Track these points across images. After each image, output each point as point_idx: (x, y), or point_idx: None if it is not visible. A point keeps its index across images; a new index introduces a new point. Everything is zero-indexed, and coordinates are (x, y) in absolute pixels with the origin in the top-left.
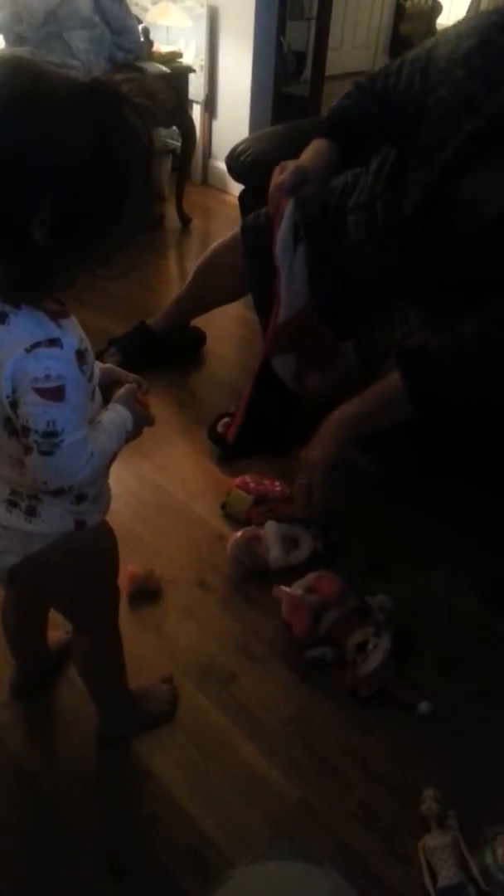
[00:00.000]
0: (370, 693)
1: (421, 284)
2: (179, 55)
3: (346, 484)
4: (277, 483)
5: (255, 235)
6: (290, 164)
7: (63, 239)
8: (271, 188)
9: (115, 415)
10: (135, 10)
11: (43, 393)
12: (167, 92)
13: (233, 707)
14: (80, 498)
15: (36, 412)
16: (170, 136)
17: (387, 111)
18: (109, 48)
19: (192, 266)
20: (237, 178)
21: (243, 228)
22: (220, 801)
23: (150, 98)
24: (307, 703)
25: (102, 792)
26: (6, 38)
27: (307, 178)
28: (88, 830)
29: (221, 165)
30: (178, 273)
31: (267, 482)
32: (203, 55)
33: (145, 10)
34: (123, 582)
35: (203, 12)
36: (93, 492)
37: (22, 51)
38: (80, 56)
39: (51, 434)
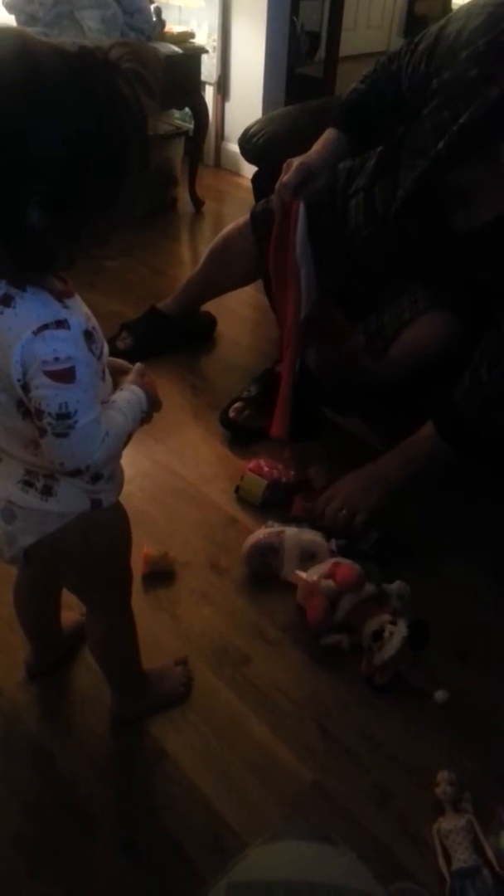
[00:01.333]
0: (386, 681)
1: (424, 270)
2: (192, 35)
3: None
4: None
5: (265, 222)
6: (295, 162)
7: (60, 219)
8: (277, 186)
9: (130, 394)
10: None
11: (53, 375)
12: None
13: (247, 689)
14: (95, 477)
15: (48, 395)
16: (182, 119)
17: (399, 93)
18: (121, 28)
19: (204, 249)
20: (250, 160)
21: (252, 215)
22: (234, 783)
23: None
24: (321, 686)
25: (118, 772)
26: (18, 19)
27: (312, 174)
28: (104, 811)
29: (234, 148)
30: (190, 257)
31: (281, 466)
32: (216, 35)
33: None
34: (137, 563)
35: None
36: (108, 471)
37: (35, 31)
38: (91, 36)
39: (64, 416)
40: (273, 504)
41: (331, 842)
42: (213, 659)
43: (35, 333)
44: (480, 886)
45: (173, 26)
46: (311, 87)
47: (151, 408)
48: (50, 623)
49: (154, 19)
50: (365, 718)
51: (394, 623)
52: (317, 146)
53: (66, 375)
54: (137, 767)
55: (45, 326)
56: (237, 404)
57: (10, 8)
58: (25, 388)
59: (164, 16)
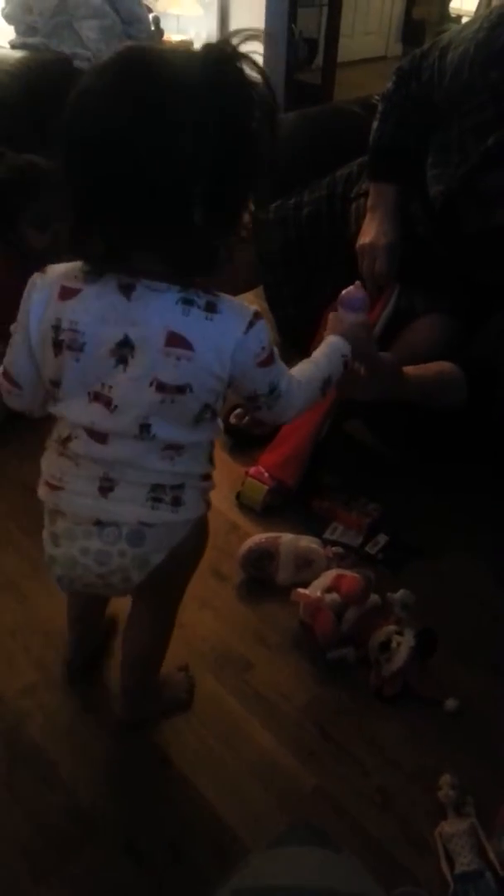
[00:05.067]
0: (395, 693)
1: (425, 271)
2: (190, 44)
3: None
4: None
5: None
6: (379, 245)
7: (216, 215)
8: (369, 273)
9: (326, 346)
10: None
11: (263, 363)
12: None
13: (249, 695)
14: (206, 476)
15: (261, 380)
16: None
17: (426, 111)
18: (120, 38)
19: None
20: None
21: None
22: (236, 788)
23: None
24: (323, 691)
25: (121, 779)
26: (17, 29)
27: (396, 251)
28: (107, 817)
29: None
30: None
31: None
32: None
33: None
34: None
35: (214, 0)
36: (212, 470)
37: (34, 41)
38: (90, 46)
39: (273, 390)
40: (274, 509)
41: (333, 847)
42: (215, 664)
43: (245, 333)
44: (483, 890)
45: (171, 35)
46: (310, 94)
47: (359, 347)
48: (99, 619)
49: (152, 28)
50: (367, 722)
51: (400, 633)
52: (380, 215)
53: (270, 359)
54: (140, 773)
55: (251, 324)
56: (238, 410)
57: (10, 19)
58: (230, 384)
59: (162, 25)
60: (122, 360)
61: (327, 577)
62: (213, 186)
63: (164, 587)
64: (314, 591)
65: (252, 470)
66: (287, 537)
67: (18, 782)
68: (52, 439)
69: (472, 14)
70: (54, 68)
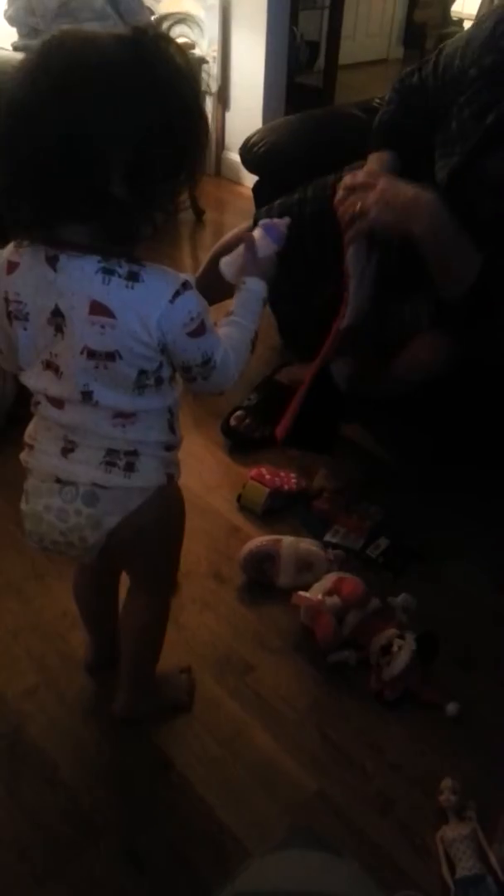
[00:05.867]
0: (396, 696)
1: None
2: (192, 46)
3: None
4: (293, 475)
5: None
6: (361, 172)
7: (140, 188)
8: (341, 192)
9: (245, 294)
10: (147, 0)
11: (193, 333)
12: None
13: (250, 698)
14: (167, 446)
15: (192, 350)
16: None
17: (427, 100)
18: None
19: (205, 258)
20: (251, 170)
21: (255, 222)
22: (237, 792)
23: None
24: (324, 695)
25: (121, 782)
26: (20, 31)
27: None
28: (108, 820)
29: (235, 157)
30: (191, 264)
31: (283, 474)
32: (216, 46)
33: (157, 0)
34: None
35: (215, 3)
36: (175, 440)
37: (36, 44)
38: None
39: (206, 361)
40: (275, 512)
41: (334, 851)
42: (216, 668)
43: (171, 302)
44: (484, 895)
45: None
46: (311, 96)
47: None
48: (111, 615)
49: None
50: (368, 727)
51: (401, 637)
52: (371, 165)
53: (200, 329)
54: (141, 776)
55: (177, 293)
56: (238, 413)
57: (12, 21)
58: (164, 352)
59: (164, 27)
60: (59, 329)
61: (328, 581)
62: (134, 159)
63: (135, 562)
64: (315, 594)
65: (253, 472)
66: (288, 540)
67: (19, 784)
68: (32, 402)
69: (474, 17)
70: None
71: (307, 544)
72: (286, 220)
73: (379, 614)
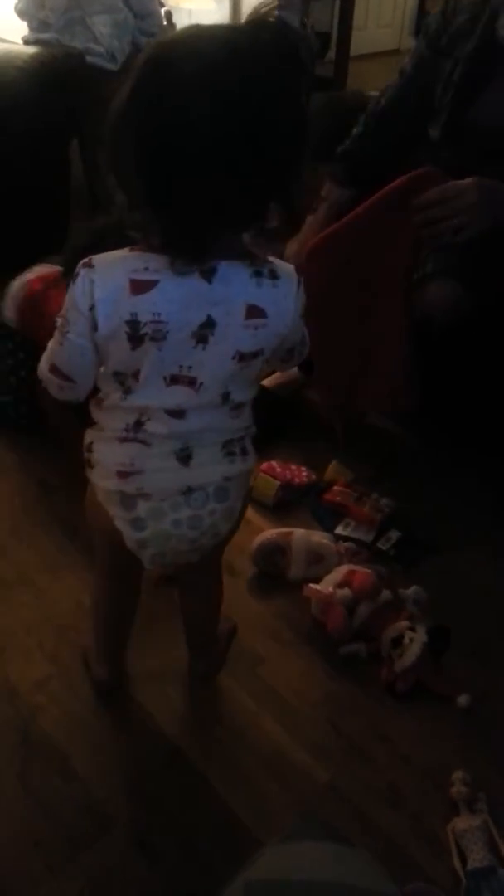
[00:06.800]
0: (407, 688)
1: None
2: None
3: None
4: (304, 468)
5: None
6: (435, 190)
7: (287, 189)
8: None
9: None
10: None
11: (302, 316)
12: None
13: (261, 690)
14: (251, 425)
15: (299, 331)
16: None
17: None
18: (132, 32)
19: None
20: None
21: None
22: (248, 782)
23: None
24: (335, 686)
25: (134, 772)
26: (30, 25)
27: None
28: (120, 810)
29: None
30: None
31: (293, 467)
32: None
33: None
34: None
35: None
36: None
37: (47, 37)
38: (103, 41)
39: (303, 339)
40: (285, 505)
41: (345, 842)
42: (228, 659)
43: (297, 292)
44: (496, 886)
45: None
46: (323, 87)
47: None
48: (128, 637)
49: (165, 23)
50: (379, 718)
51: (413, 629)
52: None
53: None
54: (152, 767)
55: (299, 283)
56: None
57: (22, 14)
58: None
59: (174, 19)
60: (203, 340)
61: (339, 573)
62: (294, 160)
63: (223, 544)
64: (326, 586)
65: (263, 466)
66: (299, 532)
67: (32, 775)
68: (107, 432)
69: None
70: (67, 64)
71: (318, 537)
72: None
73: (390, 606)
